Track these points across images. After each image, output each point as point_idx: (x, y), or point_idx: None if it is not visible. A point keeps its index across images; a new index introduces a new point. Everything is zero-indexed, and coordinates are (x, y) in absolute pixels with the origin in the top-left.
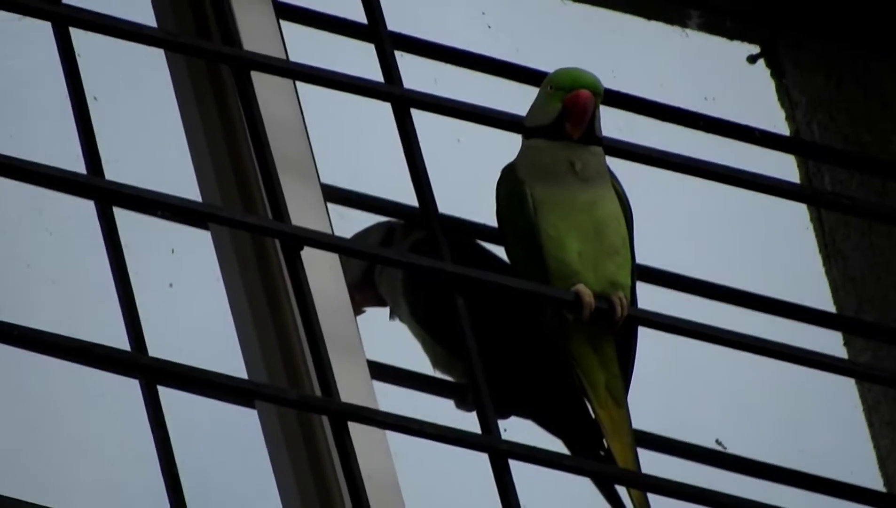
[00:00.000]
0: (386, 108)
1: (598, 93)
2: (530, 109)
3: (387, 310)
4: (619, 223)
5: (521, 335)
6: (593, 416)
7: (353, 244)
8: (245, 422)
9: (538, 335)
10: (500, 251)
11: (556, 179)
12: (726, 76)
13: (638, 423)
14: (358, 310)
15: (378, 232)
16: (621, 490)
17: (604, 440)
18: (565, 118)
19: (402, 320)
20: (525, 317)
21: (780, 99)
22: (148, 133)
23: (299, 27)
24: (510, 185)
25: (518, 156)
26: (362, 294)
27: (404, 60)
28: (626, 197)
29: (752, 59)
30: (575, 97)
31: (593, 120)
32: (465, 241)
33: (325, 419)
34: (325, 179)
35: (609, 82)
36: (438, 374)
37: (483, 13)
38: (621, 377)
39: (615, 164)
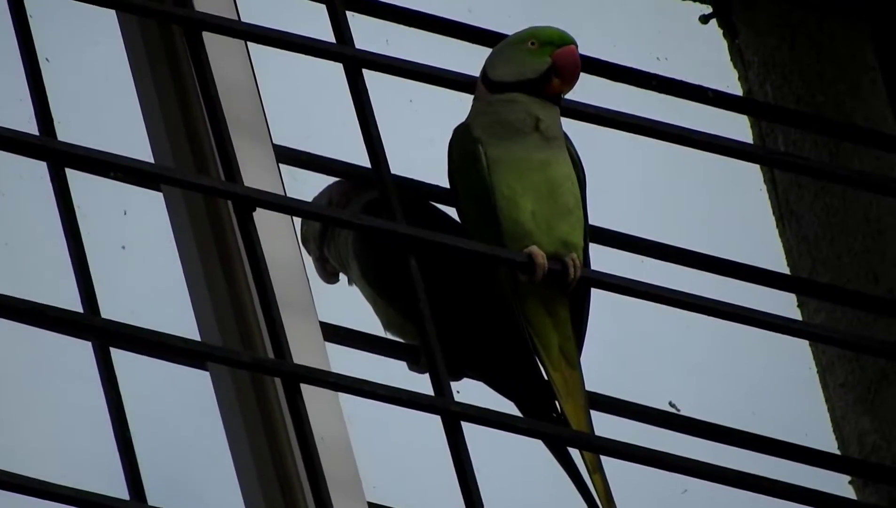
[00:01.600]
0: (338, 68)
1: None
2: (501, 65)
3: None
4: (573, 184)
5: (473, 297)
6: (546, 378)
7: (306, 205)
8: (198, 384)
9: (491, 297)
10: (453, 213)
11: (514, 137)
12: (679, 36)
13: (591, 385)
14: (333, 279)
15: (323, 197)
16: (574, 453)
17: (556, 403)
18: (554, 74)
19: (353, 282)
20: (478, 278)
21: (732, 59)
22: (100, 94)
23: None
24: (464, 144)
25: (472, 115)
26: (333, 264)
27: (356, 21)
28: (579, 159)
29: (704, 20)
30: (569, 52)
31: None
32: (418, 202)
33: (277, 381)
34: (278, 141)
35: None
36: (390, 336)
37: None
38: (574, 339)
39: (567, 124)
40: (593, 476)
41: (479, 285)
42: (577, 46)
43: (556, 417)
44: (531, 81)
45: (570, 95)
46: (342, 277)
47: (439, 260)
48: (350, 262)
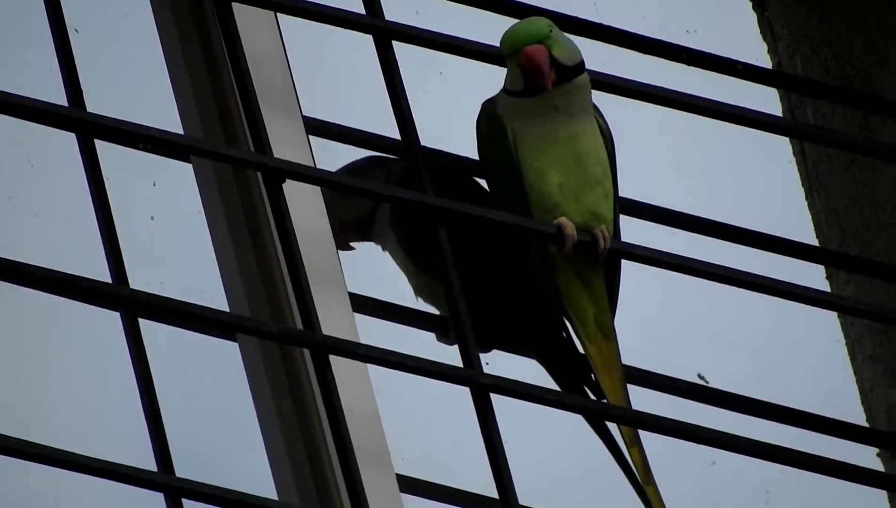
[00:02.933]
0: (368, 40)
1: (543, 36)
2: (507, 77)
3: (369, 243)
4: (601, 155)
5: (506, 269)
6: (582, 351)
7: (336, 177)
8: (227, 355)
9: (523, 269)
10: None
11: (537, 117)
12: (708, 9)
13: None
14: (347, 247)
15: (379, 168)
16: (612, 426)
17: (592, 375)
18: (528, 79)
19: (387, 249)
20: (510, 250)
21: (762, 32)
22: (130, 66)
23: None
24: (490, 119)
25: (500, 93)
26: (357, 232)
27: None
28: (608, 130)
29: None
30: (525, 59)
31: (558, 61)
32: (451, 174)
33: (306, 352)
34: (308, 112)
35: (591, 14)
36: (421, 305)
37: None
38: (610, 311)
39: (597, 96)
40: (631, 449)
41: (511, 258)
42: (536, 37)
43: (590, 390)
44: (524, 90)
45: (600, 67)
46: (355, 245)
47: (471, 232)
48: (386, 230)
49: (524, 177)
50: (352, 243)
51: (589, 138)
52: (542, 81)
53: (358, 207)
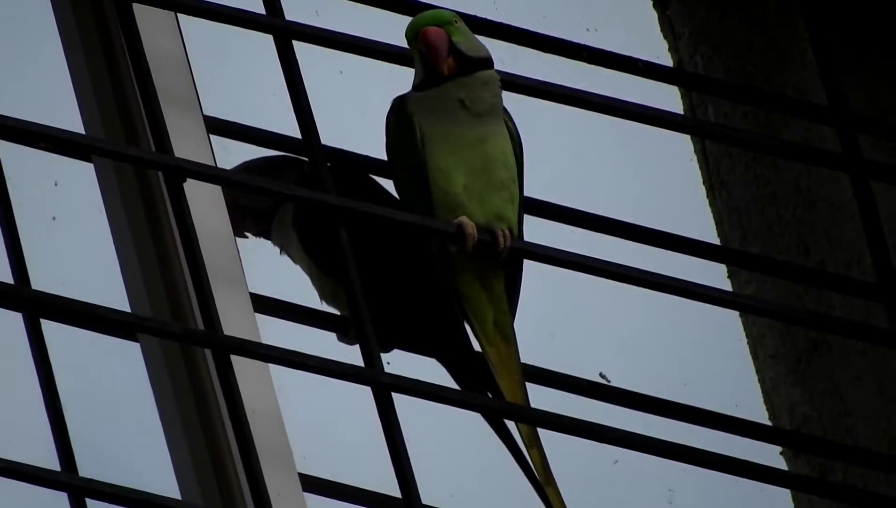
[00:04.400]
0: (268, 40)
1: (444, 21)
2: (414, 72)
3: (268, 242)
4: (508, 159)
5: (406, 269)
6: (481, 351)
7: (237, 176)
8: (128, 355)
9: (424, 270)
10: (390, 185)
11: (447, 116)
12: (609, 7)
13: (522, 356)
14: (241, 234)
15: (290, 168)
16: (511, 425)
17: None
18: (427, 63)
19: (291, 253)
20: (412, 251)
21: (663, 30)
22: (30, 65)
23: None
24: (399, 117)
25: (410, 92)
26: (256, 222)
27: None
28: (517, 134)
29: None
30: (422, 39)
31: (458, 48)
32: (355, 174)
33: (208, 352)
34: (208, 112)
35: (491, 13)
36: (326, 307)
37: None
38: (509, 313)
39: None
40: (530, 450)
41: (412, 259)
42: (436, 20)
43: (491, 390)
44: (425, 78)
45: (501, 66)
46: (268, 242)
47: (373, 232)
48: (289, 232)
49: (430, 176)
50: (247, 233)
51: (497, 142)
52: (438, 61)
53: (258, 197)
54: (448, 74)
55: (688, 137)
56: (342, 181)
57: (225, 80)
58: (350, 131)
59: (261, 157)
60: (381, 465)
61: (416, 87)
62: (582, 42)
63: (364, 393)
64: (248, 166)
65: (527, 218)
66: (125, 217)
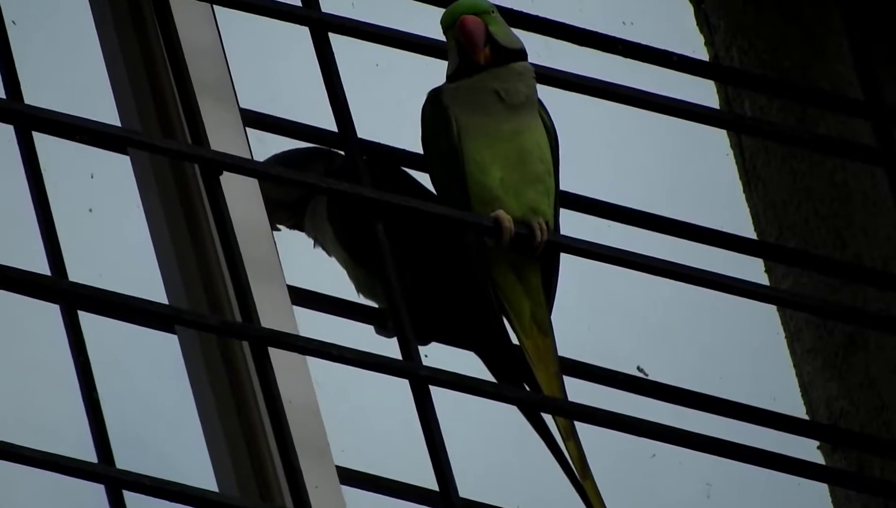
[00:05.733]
0: (305, 32)
1: (482, 11)
2: (448, 60)
3: (303, 233)
4: (544, 152)
5: (444, 262)
6: (518, 344)
7: (273, 169)
8: (166, 347)
9: (461, 262)
10: (424, 179)
11: (482, 109)
12: (645, 1)
13: (559, 350)
14: (274, 227)
15: (320, 160)
16: (548, 418)
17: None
18: (463, 52)
19: (326, 246)
20: (448, 244)
21: (698, 24)
22: (67, 57)
23: None
24: (435, 109)
25: (445, 84)
26: (287, 214)
27: None
28: (552, 126)
29: None
30: (459, 27)
31: (495, 38)
32: (389, 168)
33: (245, 344)
34: (245, 104)
35: (527, 7)
36: (362, 300)
37: None
38: (546, 306)
39: None
40: (567, 443)
41: (449, 251)
42: (473, 9)
43: (528, 383)
44: (459, 68)
45: (536, 60)
46: (283, 228)
47: (410, 225)
48: (324, 225)
49: (466, 169)
50: (280, 226)
51: (533, 135)
52: (475, 50)
53: (287, 189)
54: (484, 63)
55: (724, 131)
56: (377, 174)
57: (261, 72)
58: (386, 124)
59: (289, 149)
60: (419, 457)
61: (449, 76)
62: (618, 35)
63: (401, 386)
64: (277, 159)
65: (563, 212)
66: (161, 209)
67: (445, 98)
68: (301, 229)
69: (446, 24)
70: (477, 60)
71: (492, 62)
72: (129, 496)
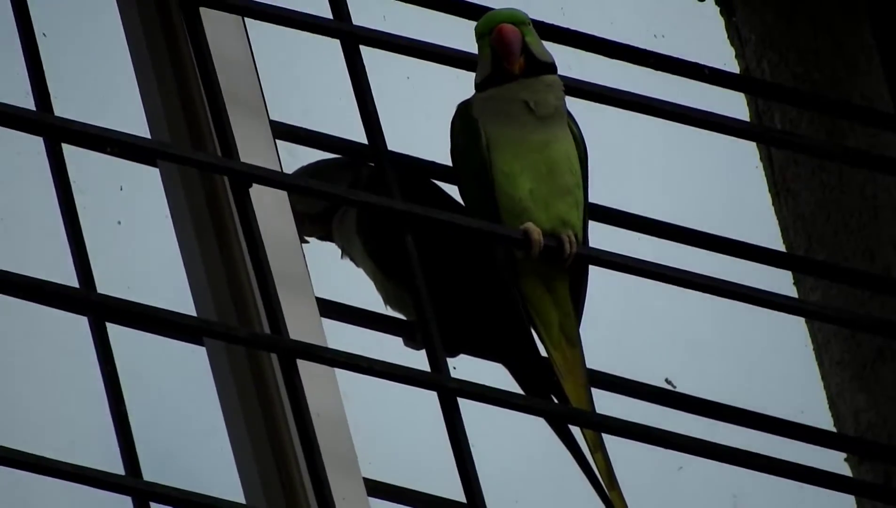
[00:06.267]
0: (335, 45)
1: (519, 21)
2: (478, 64)
3: (332, 245)
4: (573, 164)
5: (472, 274)
6: (546, 356)
7: (303, 182)
8: (194, 360)
9: (490, 274)
10: (453, 191)
11: (512, 120)
12: (676, 14)
13: (588, 362)
14: (302, 239)
15: (347, 172)
16: (575, 430)
17: (557, 380)
18: (498, 60)
19: (354, 258)
20: (477, 256)
21: (729, 37)
22: (97, 69)
23: None
24: (465, 122)
25: (474, 96)
26: (313, 226)
27: None
28: (581, 138)
29: None
30: (497, 34)
31: (529, 49)
32: (418, 180)
33: (273, 356)
34: (275, 116)
35: (558, 19)
36: (390, 312)
37: None
38: (574, 317)
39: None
40: (595, 455)
41: (478, 263)
42: (512, 19)
43: (556, 395)
44: (490, 75)
45: (567, 72)
46: (311, 240)
47: (439, 237)
48: (353, 237)
49: (495, 181)
50: (308, 238)
51: (562, 146)
52: (510, 59)
53: (312, 201)
54: (517, 73)
55: (753, 143)
56: (406, 186)
57: (292, 84)
58: (416, 136)
59: (317, 160)
60: (447, 470)
61: (478, 84)
62: (649, 48)
63: (430, 398)
64: (305, 170)
65: (593, 224)
66: (190, 221)
67: (475, 110)
68: (330, 240)
69: (482, 32)
70: (511, 69)
71: (524, 73)
72: None
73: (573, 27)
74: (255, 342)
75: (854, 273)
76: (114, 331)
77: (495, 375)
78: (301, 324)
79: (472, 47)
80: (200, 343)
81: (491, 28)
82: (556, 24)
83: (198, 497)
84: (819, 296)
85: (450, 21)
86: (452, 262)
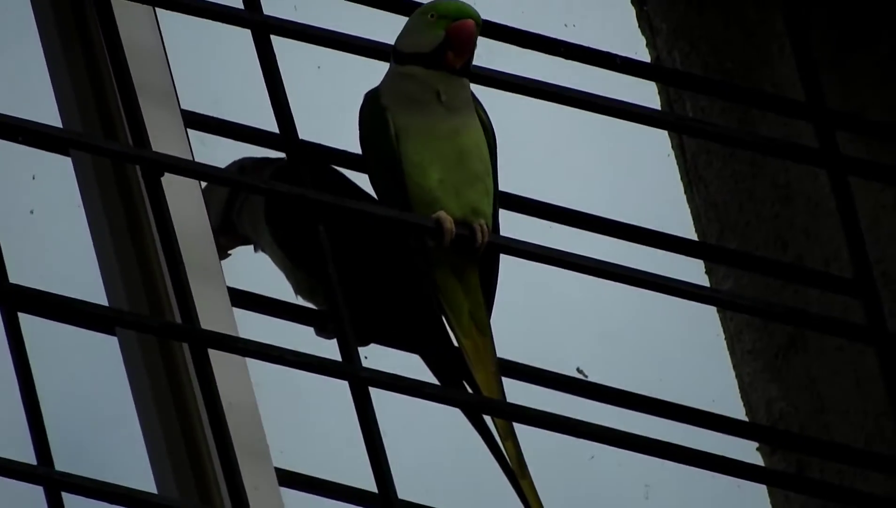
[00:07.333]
0: (246, 34)
1: (479, 24)
2: (405, 35)
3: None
4: (482, 152)
5: (383, 263)
6: (457, 345)
7: (214, 170)
8: (106, 349)
9: (401, 263)
10: (363, 180)
11: (420, 108)
12: (587, 3)
13: (499, 351)
14: (223, 254)
15: (268, 168)
16: (488, 419)
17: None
18: (448, 47)
19: (264, 249)
20: (388, 245)
21: (641, 26)
22: (8, 59)
23: None
24: (373, 111)
25: (382, 82)
26: (226, 237)
27: None
28: (490, 125)
29: None
30: (461, 26)
31: (472, 52)
32: (328, 170)
33: (185, 346)
34: (186, 106)
35: None
36: (301, 301)
37: None
38: (485, 306)
39: (475, 90)
40: (506, 443)
41: (389, 253)
42: (477, 21)
43: (469, 383)
44: (426, 54)
45: (478, 61)
46: (232, 252)
47: (350, 226)
48: (261, 227)
49: (405, 170)
50: (229, 252)
51: (471, 134)
52: (463, 54)
53: (213, 214)
54: (452, 66)
55: (665, 132)
56: (316, 176)
57: (203, 74)
58: (327, 126)
59: (241, 157)
60: (358, 459)
61: (405, 55)
62: (560, 37)
63: (342, 387)
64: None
65: (504, 213)
66: (103, 211)
67: (383, 100)
68: (248, 243)
69: (444, 13)
70: (456, 64)
71: (458, 71)
72: (67, 498)
73: (483, 16)
74: (167, 332)
75: (766, 262)
76: (26, 321)
77: (408, 364)
78: (213, 314)
79: (382, 37)
80: (112, 333)
81: (456, 16)
82: None
83: (110, 487)
84: (731, 285)
85: (360, 11)
86: (363, 251)
